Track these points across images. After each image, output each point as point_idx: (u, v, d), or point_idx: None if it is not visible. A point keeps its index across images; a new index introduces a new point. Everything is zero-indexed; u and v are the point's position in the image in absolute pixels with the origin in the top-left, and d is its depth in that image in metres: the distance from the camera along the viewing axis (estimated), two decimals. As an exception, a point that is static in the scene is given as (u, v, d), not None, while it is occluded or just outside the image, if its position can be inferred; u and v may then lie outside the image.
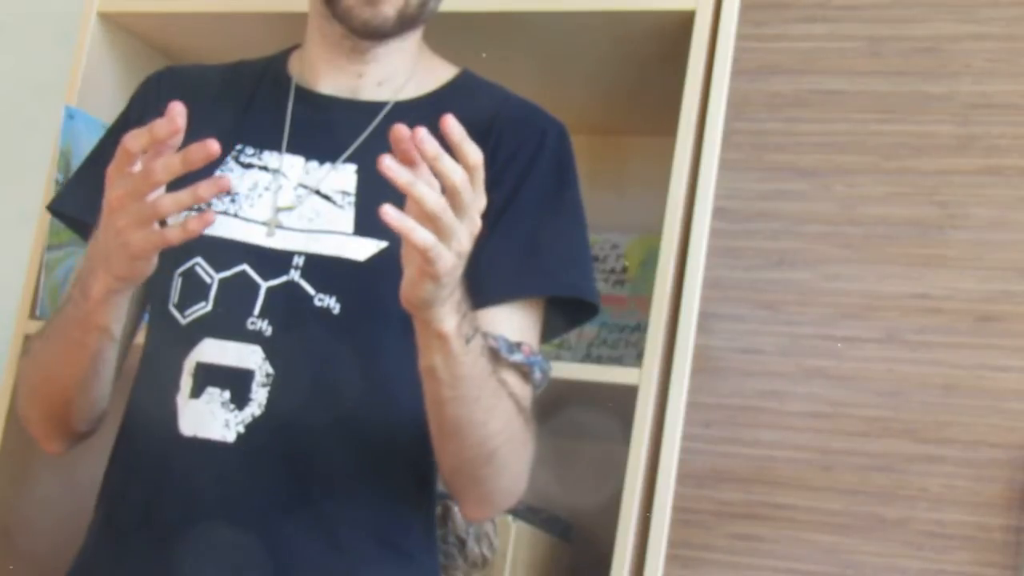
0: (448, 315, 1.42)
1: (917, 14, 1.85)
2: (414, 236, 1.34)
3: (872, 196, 1.82)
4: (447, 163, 1.33)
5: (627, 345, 2.17)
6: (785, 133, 1.87)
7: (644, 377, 1.82)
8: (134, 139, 1.41)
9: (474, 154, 1.35)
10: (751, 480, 1.78)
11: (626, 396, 1.82)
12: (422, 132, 1.32)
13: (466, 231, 1.37)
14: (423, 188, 1.33)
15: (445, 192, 1.35)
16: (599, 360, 2.17)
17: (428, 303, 1.41)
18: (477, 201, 1.37)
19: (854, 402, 1.76)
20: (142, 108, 1.75)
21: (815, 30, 1.89)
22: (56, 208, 1.81)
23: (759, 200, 1.86)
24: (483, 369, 1.49)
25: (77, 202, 1.74)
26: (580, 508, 2.13)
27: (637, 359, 1.90)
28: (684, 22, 1.92)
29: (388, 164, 1.32)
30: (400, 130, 1.33)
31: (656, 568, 1.77)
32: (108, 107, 2.22)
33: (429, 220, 1.34)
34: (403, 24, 1.65)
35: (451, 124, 1.33)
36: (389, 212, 1.33)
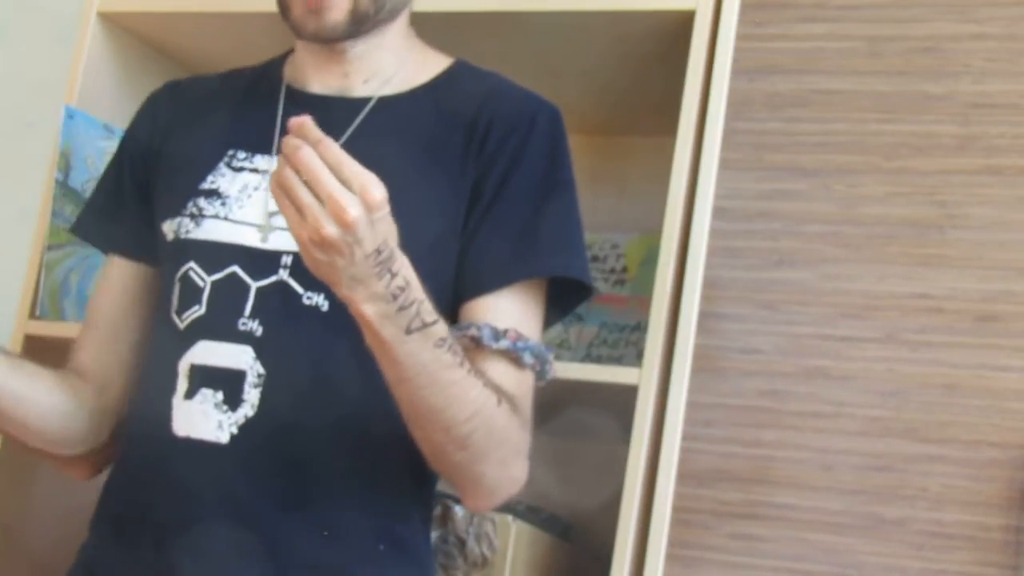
0: (365, 300, 1.42)
1: (917, 14, 1.85)
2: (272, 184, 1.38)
3: (872, 196, 1.82)
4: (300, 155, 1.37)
5: (627, 345, 2.17)
6: (785, 133, 1.87)
7: (644, 377, 1.82)
8: None
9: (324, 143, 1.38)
10: (751, 480, 1.78)
11: (626, 396, 1.82)
12: (293, 122, 1.37)
13: (323, 218, 1.36)
14: (285, 171, 1.36)
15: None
16: (599, 360, 2.16)
17: (323, 277, 1.42)
18: (325, 205, 1.36)
19: (854, 402, 1.76)
20: (141, 124, 1.77)
21: (815, 30, 1.89)
22: (80, 235, 1.83)
23: (759, 200, 1.85)
24: (437, 359, 1.47)
25: (100, 233, 1.78)
26: (580, 508, 2.13)
27: (637, 359, 1.90)
28: (684, 22, 1.92)
29: (287, 140, 1.37)
30: (294, 121, 1.37)
31: (656, 568, 1.77)
32: (108, 107, 2.22)
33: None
34: (360, 23, 1.64)
35: (296, 124, 1.37)
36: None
